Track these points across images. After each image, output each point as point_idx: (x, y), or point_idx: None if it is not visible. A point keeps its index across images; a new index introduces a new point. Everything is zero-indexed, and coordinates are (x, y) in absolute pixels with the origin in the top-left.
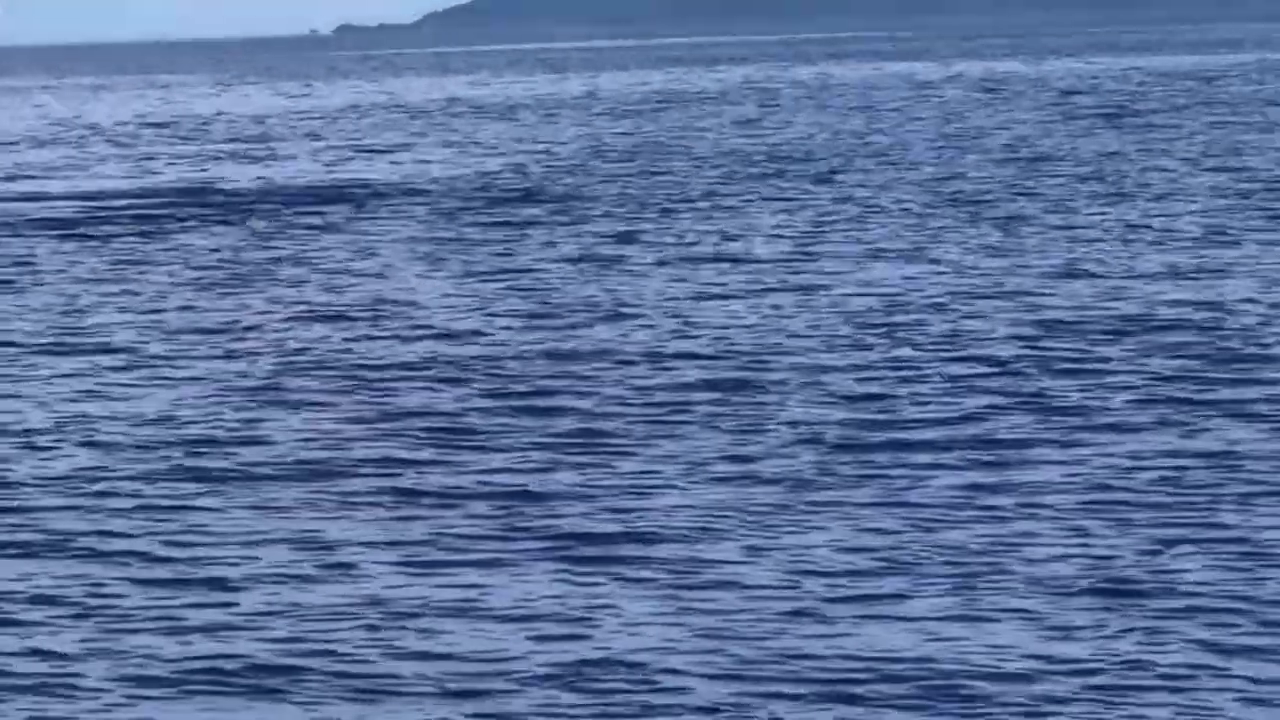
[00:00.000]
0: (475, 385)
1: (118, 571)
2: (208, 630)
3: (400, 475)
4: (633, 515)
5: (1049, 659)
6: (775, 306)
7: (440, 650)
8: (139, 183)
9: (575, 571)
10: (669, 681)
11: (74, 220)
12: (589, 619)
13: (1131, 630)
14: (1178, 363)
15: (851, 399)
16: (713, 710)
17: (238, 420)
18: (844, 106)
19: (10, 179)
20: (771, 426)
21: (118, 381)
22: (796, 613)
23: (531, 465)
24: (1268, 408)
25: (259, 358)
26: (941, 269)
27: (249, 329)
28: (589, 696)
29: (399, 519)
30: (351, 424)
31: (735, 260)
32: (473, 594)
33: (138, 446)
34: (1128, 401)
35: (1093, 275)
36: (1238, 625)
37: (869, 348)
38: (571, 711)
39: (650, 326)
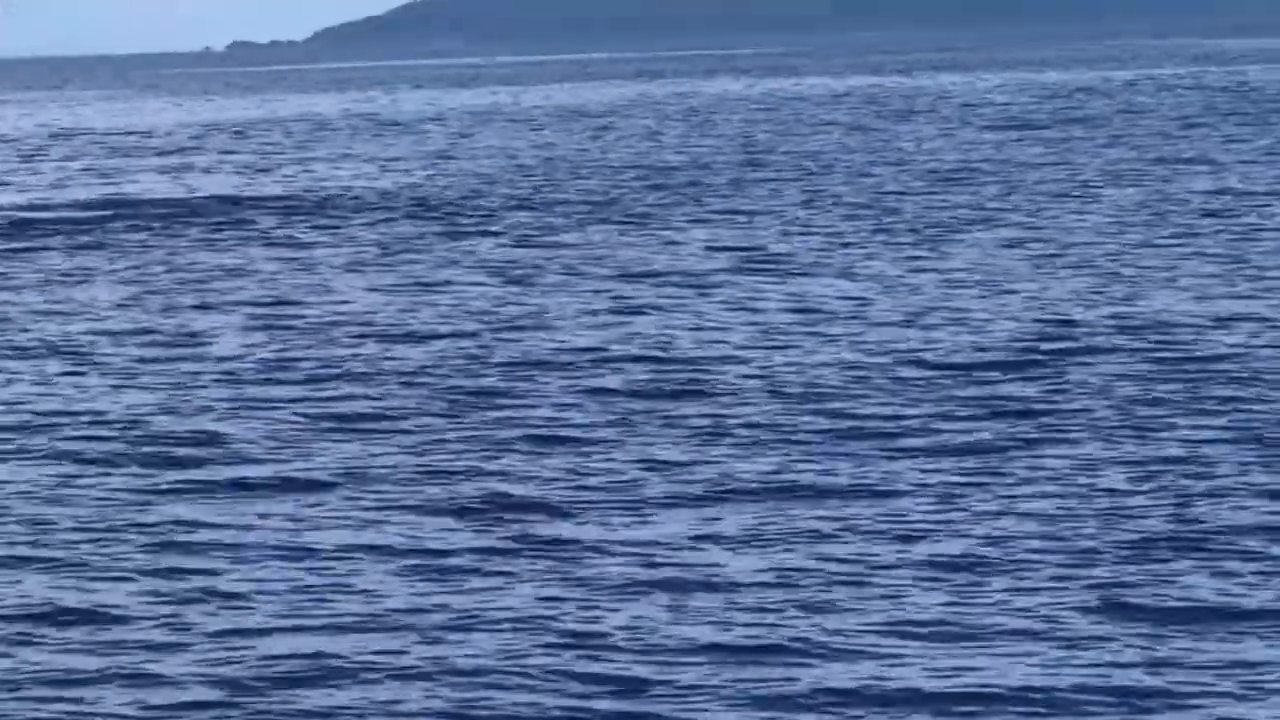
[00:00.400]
0: (420, 391)
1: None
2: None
3: (363, 481)
4: (604, 523)
5: (1041, 664)
6: (708, 315)
7: (435, 659)
8: (60, 196)
9: (561, 577)
10: (665, 691)
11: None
12: (556, 622)
13: (1122, 634)
14: (1122, 368)
15: (799, 406)
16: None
17: (198, 427)
18: (744, 120)
19: None
20: (724, 432)
21: (77, 385)
22: (792, 615)
23: (491, 470)
24: (1218, 408)
25: (207, 366)
26: (864, 278)
27: (197, 338)
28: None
29: (364, 524)
30: (311, 430)
31: (661, 272)
32: (452, 600)
33: (109, 451)
34: (1075, 411)
35: (1018, 284)
36: (1235, 628)
37: (808, 359)
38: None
39: (583, 337)
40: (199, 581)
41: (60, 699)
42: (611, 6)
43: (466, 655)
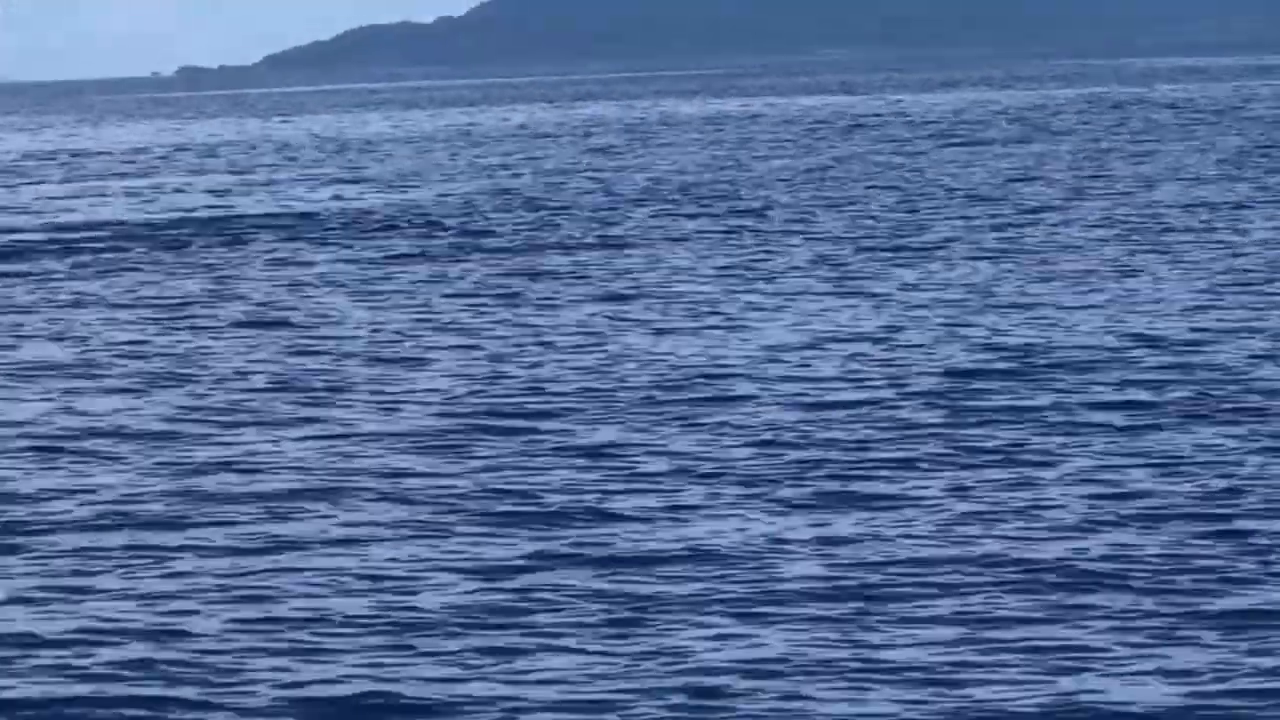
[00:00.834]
0: (440, 409)
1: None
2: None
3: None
4: (646, 533)
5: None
6: (708, 332)
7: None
8: (41, 219)
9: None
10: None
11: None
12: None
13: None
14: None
15: (801, 421)
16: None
17: (233, 443)
18: (698, 142)
19: None
20: (743, 443)
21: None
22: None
23: (530, 483)
24: (1205, 422)
25: (215, 384)
26: (862, 293)
27: (201, 354)
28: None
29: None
30: (344, 448)
31: (647, 294)
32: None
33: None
34: (1060, 431)
35: (1017, 296)
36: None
37: (807, 377)
38: None
39: (588, 356)
40: (253, 592)
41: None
42: (554, 31)
43: (527, 667)
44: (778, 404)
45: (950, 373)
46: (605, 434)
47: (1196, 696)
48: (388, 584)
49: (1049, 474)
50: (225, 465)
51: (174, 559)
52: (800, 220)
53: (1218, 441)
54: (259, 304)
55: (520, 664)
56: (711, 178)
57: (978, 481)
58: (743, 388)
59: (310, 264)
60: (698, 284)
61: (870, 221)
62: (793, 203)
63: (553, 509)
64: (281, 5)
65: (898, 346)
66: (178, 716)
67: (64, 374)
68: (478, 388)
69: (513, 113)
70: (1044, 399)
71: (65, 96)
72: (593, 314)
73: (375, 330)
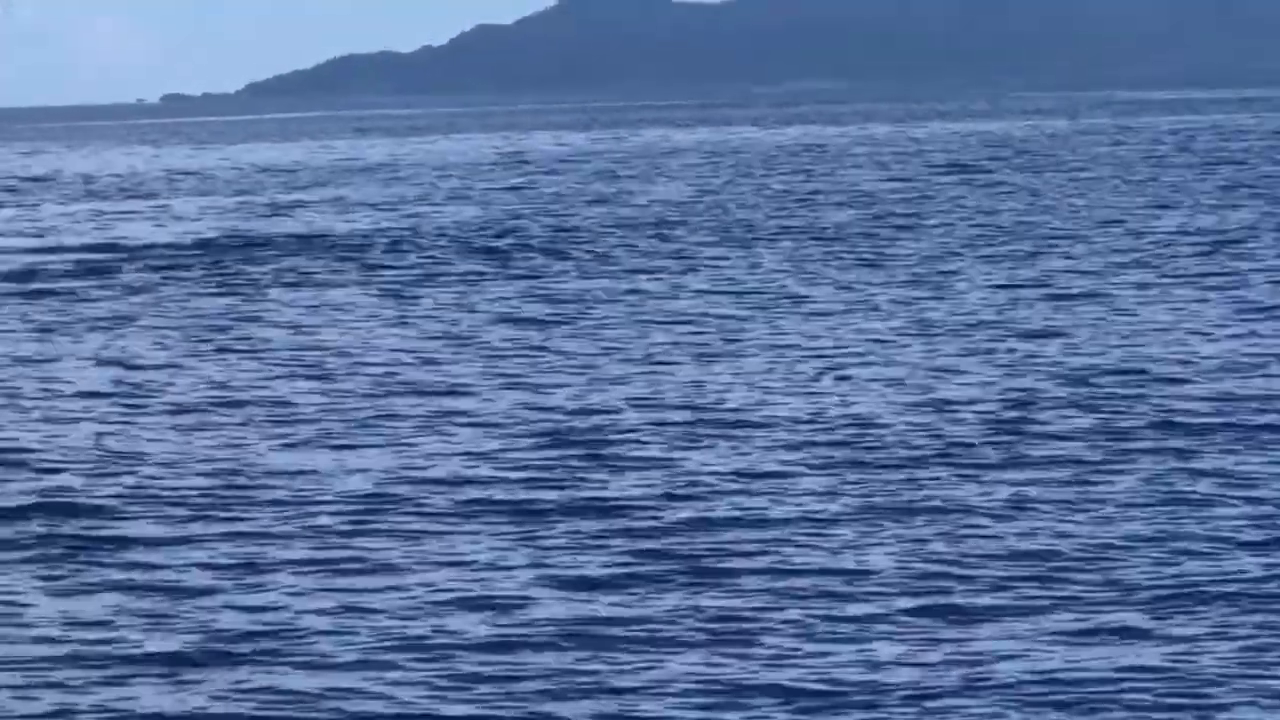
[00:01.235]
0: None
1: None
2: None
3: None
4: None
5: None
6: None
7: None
8: (67, 239)
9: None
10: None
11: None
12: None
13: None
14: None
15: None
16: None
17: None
18: (677, 170)
19: None
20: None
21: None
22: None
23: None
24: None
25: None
26: (876, 318)
27: (231, 382)
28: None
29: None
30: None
31: (676, 317)
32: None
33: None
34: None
35: (1034, 322)
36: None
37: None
38: None
39: (608, 378)
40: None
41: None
42: (531, 61)
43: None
44: (817, 423)
45: (990, 397)
46: (657, 450)
47: None
48: (483, 598)
49: (1123, 486)
50: (305, 486)
51: (259, 574)
52: (819, 245)
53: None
54: (295, 330)
55: (613, 675)
56: (713, 203)
57: (1033, 493)
58: (783, 408)
59: (338, 285)
60: (724, 307)
61: (879, 248)
62: (808, 228)
63: (626, 525)
64: (263, 34)
65: (929, 370)
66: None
67: (119, 397)
68: (543, 407)
69: (505, 140)
70: (1095, 419)
71: (49, 121)
72: (634, 337)
73: (416, 355)
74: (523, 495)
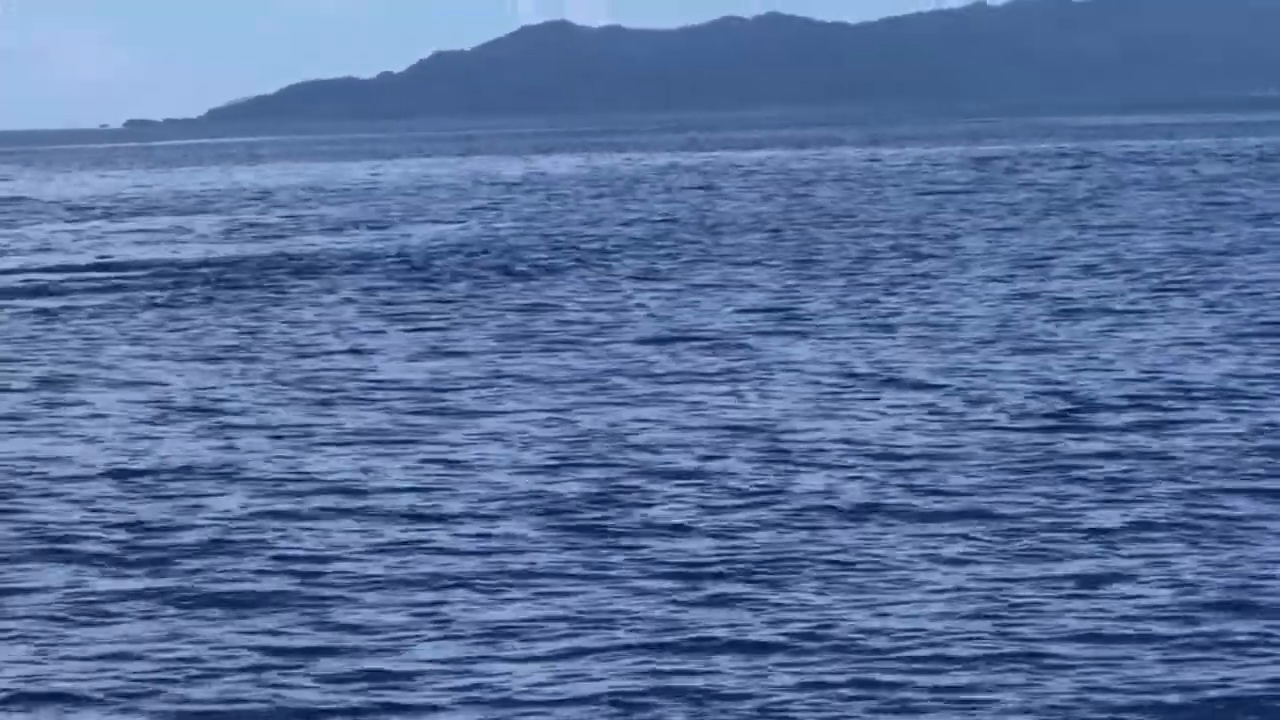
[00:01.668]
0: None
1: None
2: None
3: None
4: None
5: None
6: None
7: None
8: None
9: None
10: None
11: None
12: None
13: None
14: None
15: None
16: None
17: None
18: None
19: None
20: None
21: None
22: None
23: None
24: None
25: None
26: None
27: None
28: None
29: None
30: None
31: (679, 331)
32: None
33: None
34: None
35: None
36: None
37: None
38: None
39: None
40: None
41: None
42: (490, 86)
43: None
44: (832, 436)
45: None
46: (688, 462)
47: None
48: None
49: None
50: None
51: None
52: (807, 263)
53: None
54: (294, 346)
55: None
56: (700, 222)
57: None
58: (800, 422)
59: (334, 305)
60: (719, 321)
61: (865, 266)
62: (804, 246)
63: (655, 533)
64: (226, 60)
65: (933, 386)
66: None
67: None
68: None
69: (478, 162)
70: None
71: (21, 145)
72: (636, 354)
73: (413, 368)
74: (554, 509)
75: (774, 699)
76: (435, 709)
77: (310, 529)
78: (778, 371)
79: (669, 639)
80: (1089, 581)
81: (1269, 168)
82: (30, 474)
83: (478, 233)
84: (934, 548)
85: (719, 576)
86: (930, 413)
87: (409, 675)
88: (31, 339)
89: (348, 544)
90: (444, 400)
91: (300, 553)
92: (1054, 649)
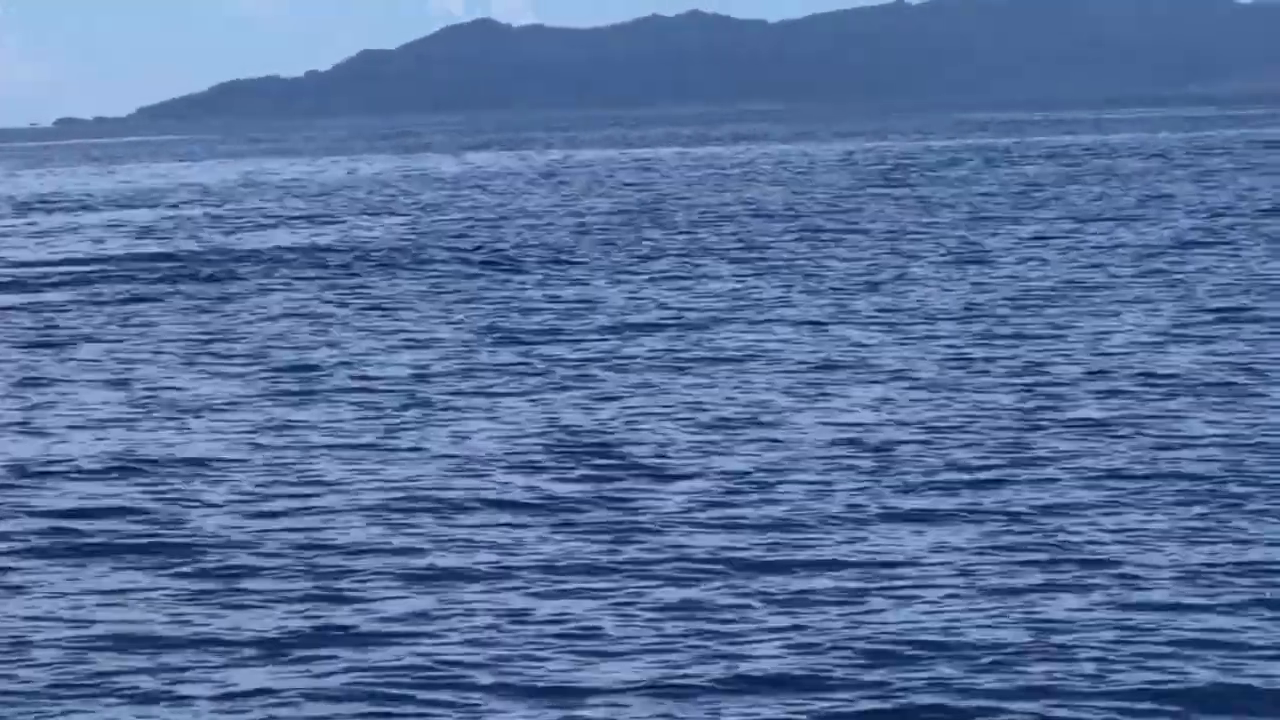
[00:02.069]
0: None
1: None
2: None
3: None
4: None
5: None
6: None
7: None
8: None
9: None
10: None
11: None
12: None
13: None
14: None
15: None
16: None
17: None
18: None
19: None
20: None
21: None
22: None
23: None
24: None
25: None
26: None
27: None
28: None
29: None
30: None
31: (656, 322)
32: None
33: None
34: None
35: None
36: None
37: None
38: None
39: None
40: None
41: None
42: (415, 85)
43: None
44: (818, 426)
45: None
46: (672, 458)
47: None
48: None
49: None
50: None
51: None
52: (763, 257)
53: None
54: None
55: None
56: (650, 216)
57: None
58: (784, 413)
59: (318, 298)
60: (698, 311)
61: (819, 259)
62: (747, 241)
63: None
64: (154, 59)
65: (914, 376)
66: None
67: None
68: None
69: (412, 159)
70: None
71: None
72: (610, 347)
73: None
74: (546, 502)
75: (773, 697)
76: (432, 703)
77: (297, 526)
78: (751, 361)
79: (666, 636)
80: (1088, 572)
81: (1203, 161)
82: (13, 469)
83: (428, 227)
84: (929, 539)
85: (712, 571)
86: (912, 400)
87: (400, 671)
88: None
89: (336, 540)
90: (422, 393)
91: (288, 549)
92: (1053, 639)
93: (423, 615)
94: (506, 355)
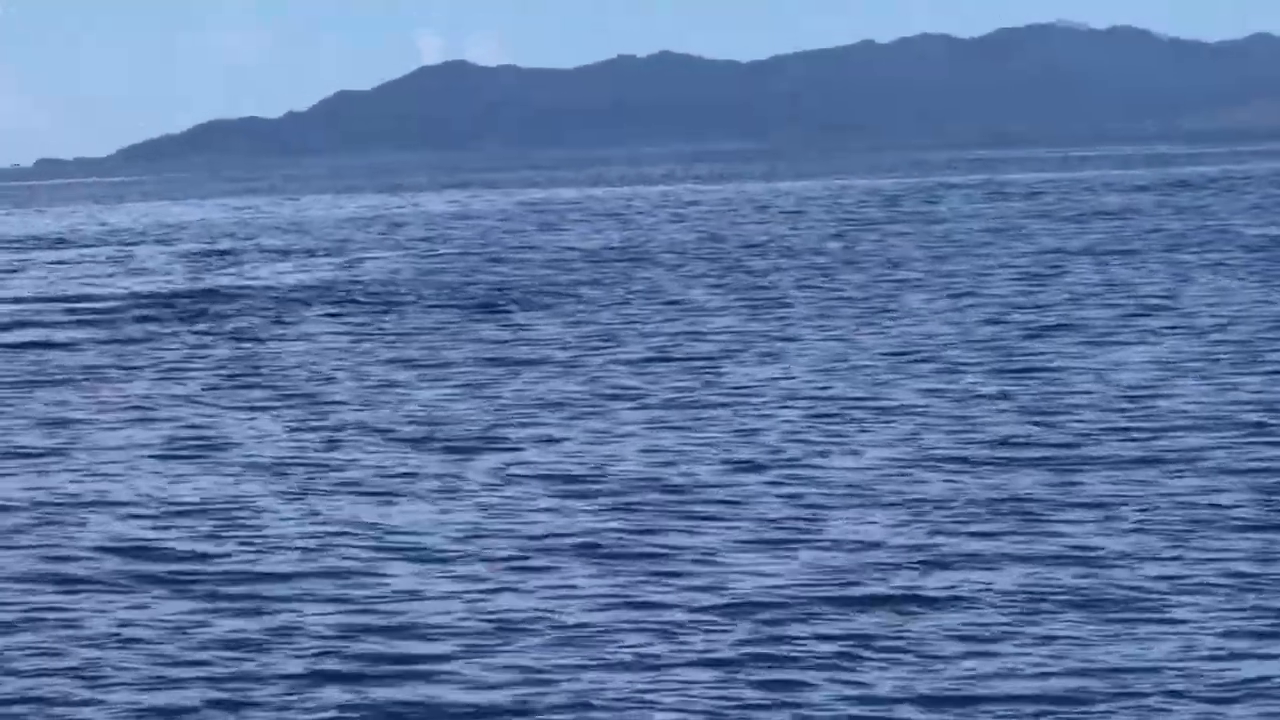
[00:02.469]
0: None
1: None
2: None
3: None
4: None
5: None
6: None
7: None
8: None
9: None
10: None
11: None
12: None
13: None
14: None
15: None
16: None
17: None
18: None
19: None
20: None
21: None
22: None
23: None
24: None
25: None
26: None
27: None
28: None
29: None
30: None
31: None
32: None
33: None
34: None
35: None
36: None
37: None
38: None
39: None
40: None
41: None
42: (391, 124)
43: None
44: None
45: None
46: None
47: None
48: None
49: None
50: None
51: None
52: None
53: None
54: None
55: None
56: (639, 251)
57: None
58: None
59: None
60: (702, 343)
61: (804, 292)
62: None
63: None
64: (134, 100)
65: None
66: None
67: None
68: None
69: (399, 197)
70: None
71: None
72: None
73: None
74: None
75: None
76: None
77: (328, 568)
78: (760, 396)
79: (697, 671)
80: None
81: (1174, 198)
82: (33, 508)
83: (427, 265)
84: (973, 580)
85: (748, 608)
86: (934, 437)
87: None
88: (15, 376)
89: (366, 583)
90: (442, 429)
91: (323, 583)
92: (1098, 685)
93: (462, 649)
94: (522, 391)
